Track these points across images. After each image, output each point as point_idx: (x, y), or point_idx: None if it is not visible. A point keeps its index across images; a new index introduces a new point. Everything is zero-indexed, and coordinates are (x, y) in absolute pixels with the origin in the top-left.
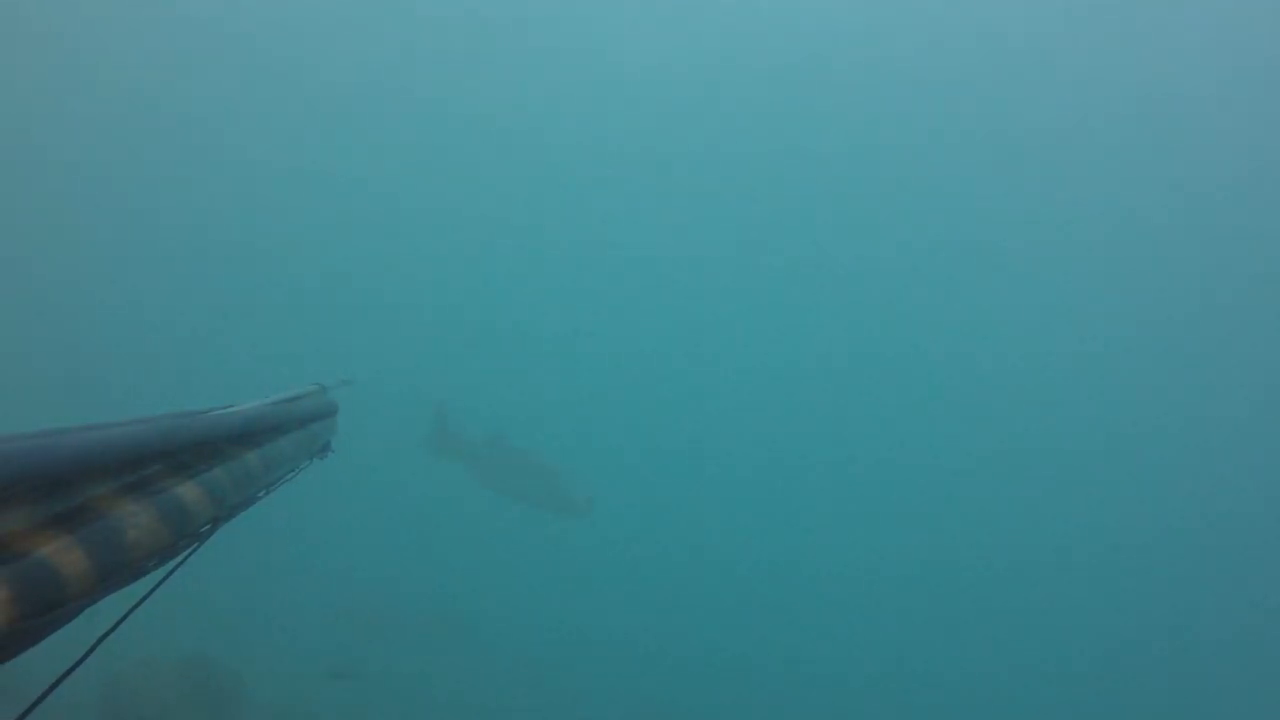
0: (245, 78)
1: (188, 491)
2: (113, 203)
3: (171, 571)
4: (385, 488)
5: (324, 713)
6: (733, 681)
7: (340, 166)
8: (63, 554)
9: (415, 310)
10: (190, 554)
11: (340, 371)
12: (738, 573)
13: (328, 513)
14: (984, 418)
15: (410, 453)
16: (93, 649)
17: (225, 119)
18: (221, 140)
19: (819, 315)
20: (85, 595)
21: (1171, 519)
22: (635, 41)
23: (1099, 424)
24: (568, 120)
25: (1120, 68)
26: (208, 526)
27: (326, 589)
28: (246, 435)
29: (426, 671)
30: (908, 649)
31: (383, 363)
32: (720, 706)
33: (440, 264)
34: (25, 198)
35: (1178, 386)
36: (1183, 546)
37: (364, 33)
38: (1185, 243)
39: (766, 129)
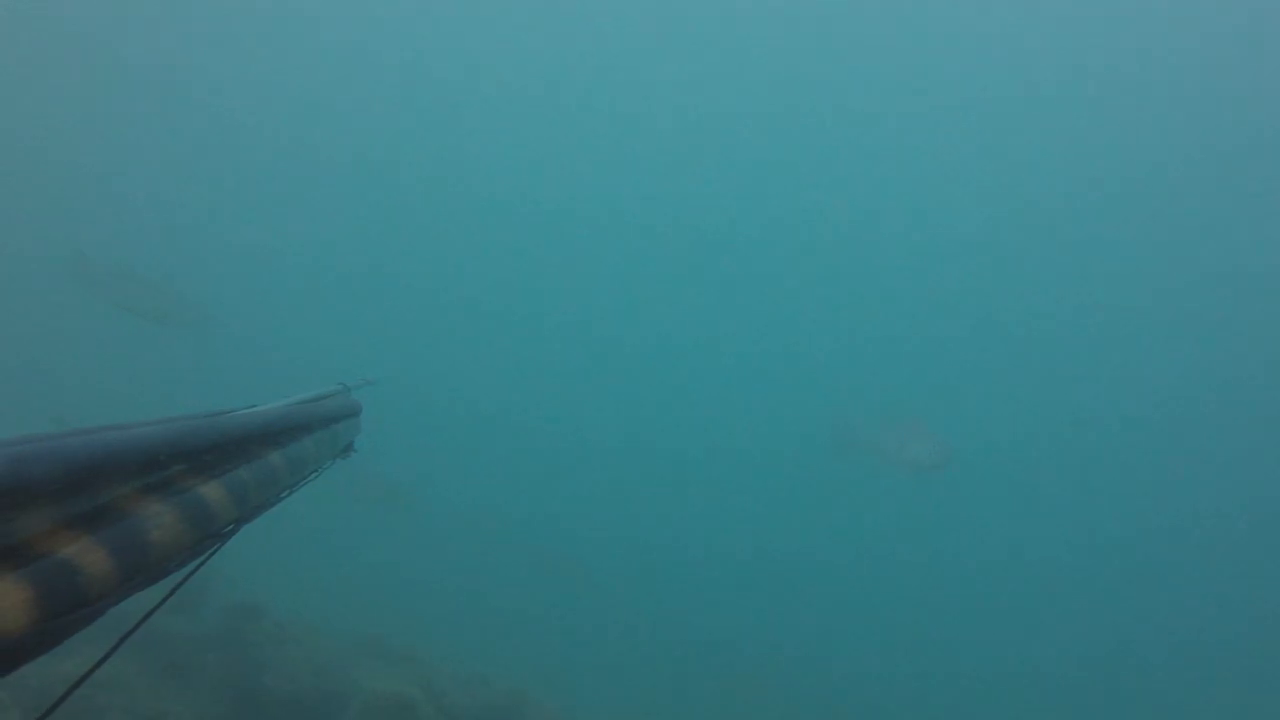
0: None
1: (211, 491)
2: (119, 198)
3: (193, 572)
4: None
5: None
6: None
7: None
8: (85, 554)
9: (431, 310)
10: (212, 554)
11: (364, 371)
12: None
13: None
14: None
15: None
16: (114, 649)
17: (259, 114)
18: (238, 133)
19: None
20: (108, 596)
21: None
22: None
23: None
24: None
25: None
26: (230, 527)
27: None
28: (270, 435)
29: None
30: None
31: (401, 362)
32: None
33: (464, 262)
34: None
35: None
36: None
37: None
38: None
39: None
